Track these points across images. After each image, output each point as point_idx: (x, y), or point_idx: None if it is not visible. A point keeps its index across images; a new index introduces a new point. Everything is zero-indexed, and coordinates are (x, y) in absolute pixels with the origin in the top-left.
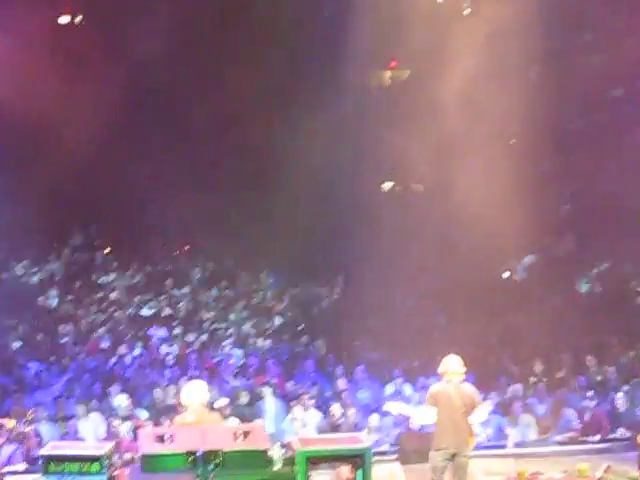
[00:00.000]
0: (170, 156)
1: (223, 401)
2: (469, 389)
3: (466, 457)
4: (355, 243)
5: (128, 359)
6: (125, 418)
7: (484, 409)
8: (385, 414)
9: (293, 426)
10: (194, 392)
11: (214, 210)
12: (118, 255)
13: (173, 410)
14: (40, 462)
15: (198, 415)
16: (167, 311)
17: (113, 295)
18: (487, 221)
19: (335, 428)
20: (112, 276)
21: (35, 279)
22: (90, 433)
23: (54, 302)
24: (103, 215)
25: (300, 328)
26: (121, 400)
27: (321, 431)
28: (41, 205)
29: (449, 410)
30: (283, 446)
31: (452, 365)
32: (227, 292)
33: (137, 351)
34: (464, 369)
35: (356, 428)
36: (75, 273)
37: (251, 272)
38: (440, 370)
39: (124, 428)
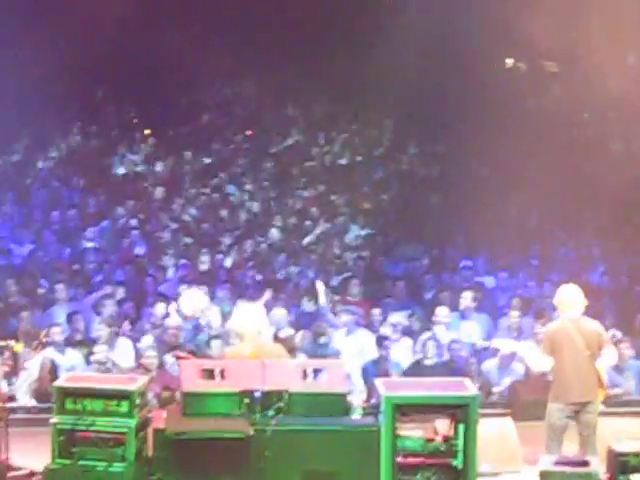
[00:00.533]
0: (229, 22)
1: (288, 331)
2: (592, 324)
3: (593, 414)
4: (464, 132)
5: (170, 272)
6: (171, 347)
7: (613, 351)
8: (494, 353)
9: (378, 365)
10: (251, 316)
11: (290, 85)
12: (160, 139)
13: (224, 339)
14: (54, 398)
15: (257, 346)
16: (222, 212)
17: (154, 191)
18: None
19: (431, 370)
20: (151, 165)
21: (53, 164)
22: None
23: (77, 195)
24: (143, 89)
25: (392, 241)
26: (168, 322)
27: (413, 373)
28: (66, 73)
29: (571, 352)
30: (365, 390)
31: (566, 295)
32: (298, 192)
33: (179, 262)
34: (584, 302)
35: (458, 371)
36: (108, 160)
37: (332, 165)
38: (555, 301)
39: (168, 359)
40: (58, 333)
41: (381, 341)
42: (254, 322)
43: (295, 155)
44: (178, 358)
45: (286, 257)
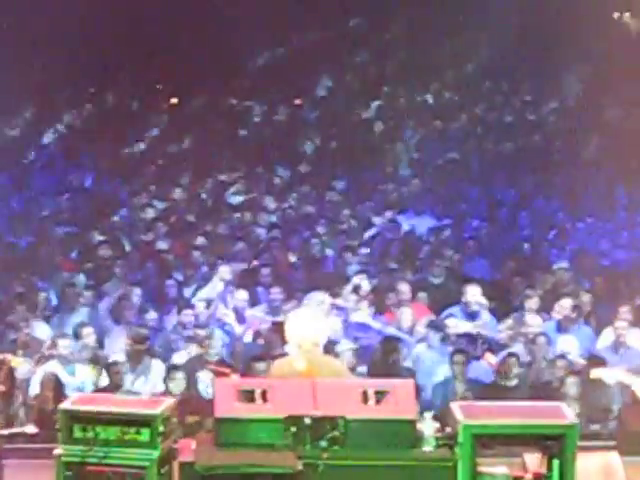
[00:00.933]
0: None
1: (348, 343)
2: None
3: None
4: (565, 98)
5: (200, 271)
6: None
7: None
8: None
9: (454, 387)
10: (305, 325)
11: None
12: (190, 110)
13: (268, 352)
14: (59, 423)
15: (310, 361)
16: (266, 200)
17: (181, 173)
18: None
19: (519, 391)
20: (179, 143)
21: (58, 140)
22: (138, 382)
23: (88, 180)
24: (170, 49)
25: (472, 234)
26: (202, 332)
27: (493, 396)
28: (76, 30)
29: None
30: (439, 417)
31: None
32: (354, 175)
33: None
34: None
35: (550, 394)
36: (126, 136)
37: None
38: None
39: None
40: (65, 346)
41: (455, 357)
42: (309, 332)
43: (352, 129)
44: (216, 374)
45: (340, 254)
